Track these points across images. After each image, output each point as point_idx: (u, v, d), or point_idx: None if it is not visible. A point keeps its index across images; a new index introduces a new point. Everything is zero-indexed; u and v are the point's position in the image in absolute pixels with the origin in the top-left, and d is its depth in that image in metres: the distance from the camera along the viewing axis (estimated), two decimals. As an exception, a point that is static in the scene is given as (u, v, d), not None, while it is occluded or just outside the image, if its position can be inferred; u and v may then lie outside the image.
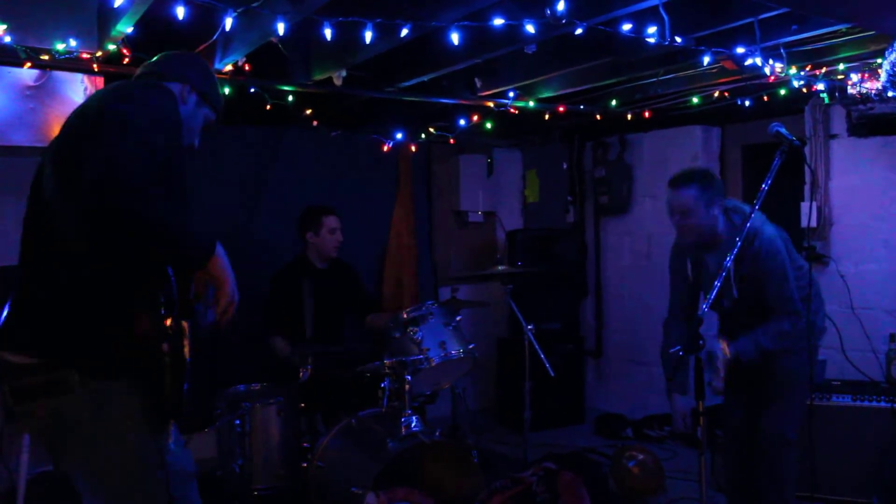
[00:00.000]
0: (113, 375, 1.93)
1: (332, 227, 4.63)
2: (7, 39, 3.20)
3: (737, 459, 3.57)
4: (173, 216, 1.92)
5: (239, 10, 2.91)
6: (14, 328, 1.99)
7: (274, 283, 4.62)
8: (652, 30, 3.35)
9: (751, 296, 3.27)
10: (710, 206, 3.24)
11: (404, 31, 3.10)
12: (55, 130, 3.06)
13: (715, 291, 2.73)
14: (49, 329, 1.93)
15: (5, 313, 2.01)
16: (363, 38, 3.11)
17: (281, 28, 2.94)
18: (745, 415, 3.48)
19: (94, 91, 3.80)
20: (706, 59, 3.78)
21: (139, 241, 1.86)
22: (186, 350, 1.99)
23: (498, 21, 3.11)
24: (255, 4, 2.92)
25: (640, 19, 3.35)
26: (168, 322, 1.94)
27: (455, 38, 3.14)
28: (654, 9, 3.17)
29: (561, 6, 2.98)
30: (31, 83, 3.64)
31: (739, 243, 2.81)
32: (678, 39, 3.43)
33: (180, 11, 2.24)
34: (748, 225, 2.85)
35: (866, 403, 4.09)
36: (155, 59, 2.33)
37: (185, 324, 2.00)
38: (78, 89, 3.72)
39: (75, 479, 2.04)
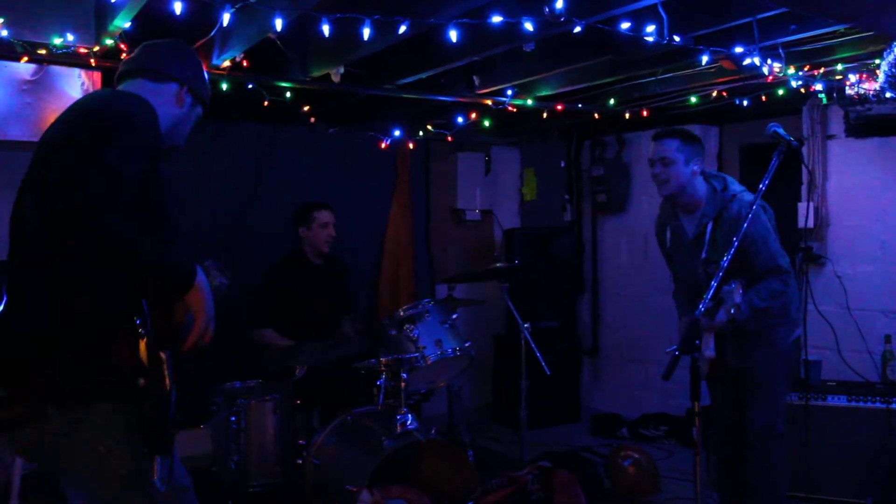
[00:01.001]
0: (91, 402, 1.88)
1: (324, 222, 4.63)
2: (4, 33, 3.19)
3: (725, 456, 3.59)
4: (150, 246, 1.83)
5: (237, 6, 2.90)
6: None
7: (268, 276, 4.61)
8: (651, 28, 3.35)
9: (736, 263, 3.24)
10: (689, 161, 3.36)
11: (402, 28, 3.09)
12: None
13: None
14: (23, 362, 1.88)
15: None
16: (361, 35, 3.10)
17: (279, 24, 2.93)
18: (732, 411, 3.50)
19: (90, 86, 3.79)
20: (704, 59, 3.78)
21: (114, 271, 1.81)
22: (167, 381, 1.90)
23: (496, 19, 3.11)
24: (252, 0, 2.91)
25: (639, 18, 3.35)
26: (143, 353, 1.86)
27: (454, 35, 3.13)
28: (653, 7, 3.17)
29: (560, 4, 2.97)
30: (28, 77, 3.63)
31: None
32: (677, 38, 3.43)
33: (178, 7, 2.23)
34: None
35: (862, 404, 4.09)
36: (145, 52, 2.23)
37: (162, 355, 1.90)
38: (75, 84, 3.71)
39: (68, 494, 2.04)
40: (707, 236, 3.34)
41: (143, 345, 1.87)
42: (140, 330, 1.87)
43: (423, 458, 3.60)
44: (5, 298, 1.96)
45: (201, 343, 2.00)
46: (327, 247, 4.67)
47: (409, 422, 3.57)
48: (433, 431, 3.65)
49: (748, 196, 3.34)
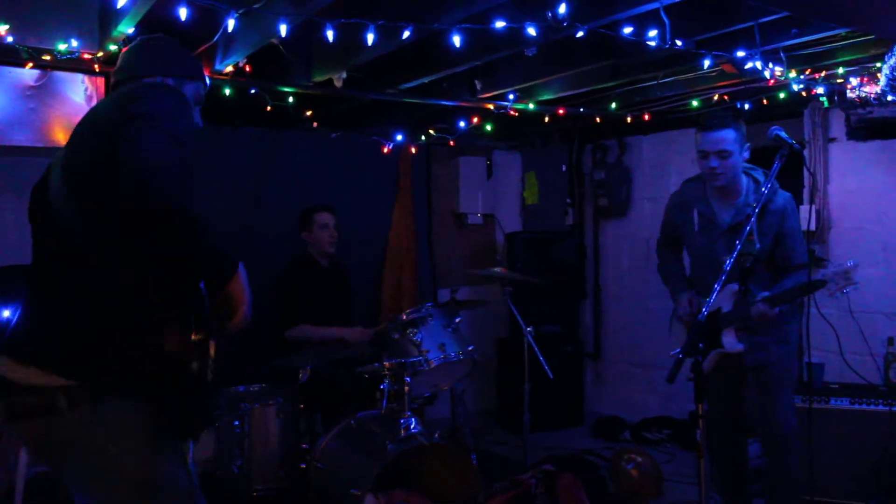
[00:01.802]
0: (104, 396, 1.84)
1: (324, 223, 4.66)
2: (9, 39, 3.20)
3: (729, 457, 3.61)
4: (205, 233, 1.83)
5: (240, 12, 2.91)
6: (20, 339, 1.93)
7: (283, 277, 4.61)
8: (653, 33, 3.36)
9: (766, 254, 3.30)
10: (742, 150, 3.28)
11: (406, 33, 3.10)
12: (55, 130, 3.04)
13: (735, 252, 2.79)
14: (56, 346, 1.86)
15: (15, 320, 1.96)
16: (364, 40, 3.11)
17: (283, 30, 2.94)
18: (735, 409, 3.54)
19: (93, 91, 3.80)
20: (707, 63, 3.79)
21: (177, 249, 1.79)
22: (210, 371, 1.93)
23: (500, 24, 3.11)
24: (256, 6, 2.92)
25: (641, 22, 3.36)
26: (197, 338, 1.88)
27: (457, 40, 3.14)
28: (655, 12, 3.17)
29: (562, 9, 2.98)
30: (32, 83, 3.63)
31: (765, 193, 2.89)
32: (679, 43, 3.43)
33: (182, 12, 2.23)
34: (770, 181, 2.90)
35: (864, 407, 4.09)
36: (122, 61, 2.21)
37: (212, 344, 1.94)
38: (78, 89, 3.71)
39: (75, 497, 1.99)
40: (749, 227, 3.08)
41: (197, 330, 1.88)
42: (192, 315, 1.88)
43: (426, 462, 3.60)
44: (27, 299, 1.96)
45: (238, 329, 2.04)
46: (331, 247, 4.69)
47: (412, 426, 3.57)
48: (437, 435, 3.65)
49: (783, 191, 3.35)
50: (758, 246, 3.17)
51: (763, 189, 2.93)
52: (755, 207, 2.93)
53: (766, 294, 3.21)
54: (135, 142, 1.76)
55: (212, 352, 1.94)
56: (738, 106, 4.86)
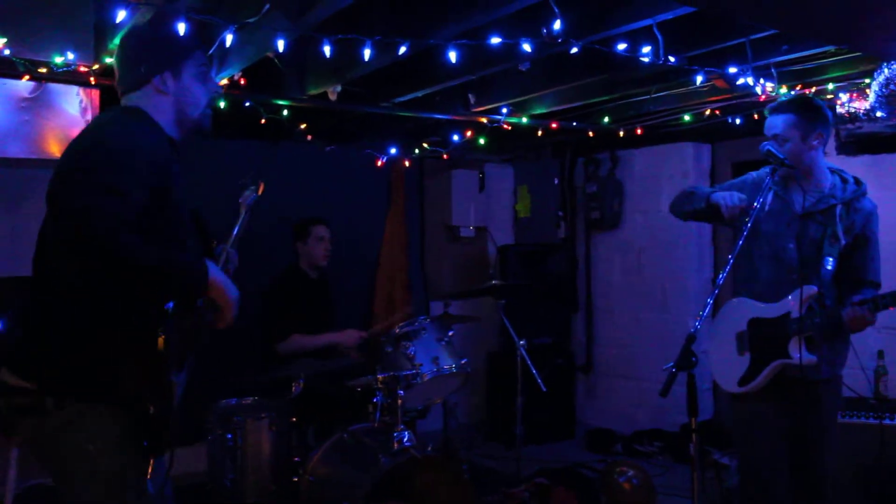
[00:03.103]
0: (87, 401, 1.98)
1: (320, 236, 4.67)
2: (6, 52, 3.21)
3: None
4: (159, 251, 1.90)
5: (238, 25, 2.92)
6: (14, 348, 2.04)
7: (271, 291, 4.61)
8: (646, 49, 3.39)
9: (847, 261, 2.99)
10: (807, 136, 2.94)
11: (402, 49, 3.12)
12: (50, 142, 3.05)
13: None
14: (40, 353, 1.99)
15: (13, 329, 2.06)
16: (360, 55, 3.13)
17: (281, 45, 2.95)
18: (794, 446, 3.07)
19: (87, 103, 3.80)
20: (699, 79, 3.82)
21: (120, 277, 1.86)
22: (170, 386, 1.99)
23: (495, 40, 3.14)
24: (252, 20, 2.93)
25: (635, 38, 3.39)
26: (150, 357, 1.94)
27: (453, 56, 3.16)
28: (649, 28, 3.21)
29: (557, 25, 3.01)
30: (27, 95, 3.64)
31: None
32: (672, 59, 3.46)
33: (181, 27, 2.24)
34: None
35: (855, 420, 4.11)
36: (117, 67, 2.24)
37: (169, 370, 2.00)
38: (73, 101, 3.71)
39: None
40: (832, 216, 2.95)
41: (157, 344, 1.94)
42: (154, 333, 1.93)
43: (419, 475, 3.59)
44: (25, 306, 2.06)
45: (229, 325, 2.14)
46: (325, 260, 4.70)
47: (405, 439, 3.57)
48: (430, 448, 3.64)
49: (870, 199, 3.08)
50: (843, 242, 2.94)
51: (850, 184, 2.81)
52: (841, 201, 2.79)
53: (860, 297, 2.89)
54: (67, 201, 1.85)
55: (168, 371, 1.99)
56: (730, 121, 4.91)
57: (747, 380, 3.04)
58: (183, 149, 2.32)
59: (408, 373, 3.77)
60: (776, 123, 2.98)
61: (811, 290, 2.93)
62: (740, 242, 2.78)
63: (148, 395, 1.96)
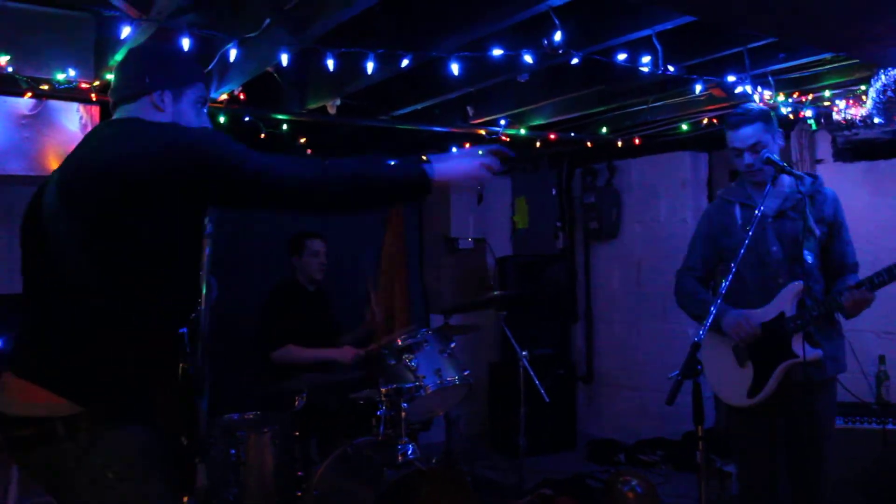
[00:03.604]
0: (103, 424, 1.85)
1: (315, 251, 4.67)
2: (9, 70, 3.21)
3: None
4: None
5: (240, 39, 2.93)
6: (28, 361, 1.93)
7: (269, 301, 4.60)
8: (646, 59, 3.41)
9: (822, 246, 3.08)
10: (775, 140, 3.06)
11: (405, 62, 3.13)
12: (50, 159, 3.03)
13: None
14: (38, 383, 1.86)
15: (15, 346, 1.97)
16: (361, 68, 3.14)
17: (285, 59, 2.96)
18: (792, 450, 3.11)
19: (88, 120, 3.80)
20: (698, 88, 3.84)
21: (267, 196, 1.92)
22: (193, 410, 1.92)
23: (497, 52, 3.15)
24: (253, 34, 2.94)
25: (634, 48, 3.41)
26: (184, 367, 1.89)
27: (455, 68, 3.17)
28: (647, 38, 3.23)
29: (558, 36, 3.02)
30: (27, 112, 3.64)
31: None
32: (671, 68, 3.48)
33: (185, 42, 2.25)
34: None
35: (857, 425, 4.11)
36: (116, 77, 2.21)
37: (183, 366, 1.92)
38: (73, 118, 3.72)
39: None
40: (803, 209, 2.99)
41: (175, 365, 1.88)
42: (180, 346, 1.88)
43: (424, 488, 3.58)
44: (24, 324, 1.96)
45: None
46: (321, 274, 4.70)
47: (409, 452, 3.55)
48: (434, 461, 3.63)
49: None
50: (818, 233, 3.01)
51: (806, 178, 2.89)
52: (807, 194, 2.87)
53: (854, 281, 2.99)
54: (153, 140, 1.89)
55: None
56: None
57: (756, 390, 3.03)
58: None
59: (411, 385, 3.76)
60: (749, 134, 3.03)
61: (798, 285, 2.97)
62: (742, 251, 2.79)
63: (177, 422, 1.88)
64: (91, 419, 1.84)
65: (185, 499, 1.92)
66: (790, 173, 2.95)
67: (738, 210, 3.17)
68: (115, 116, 2.22)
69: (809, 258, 2.99)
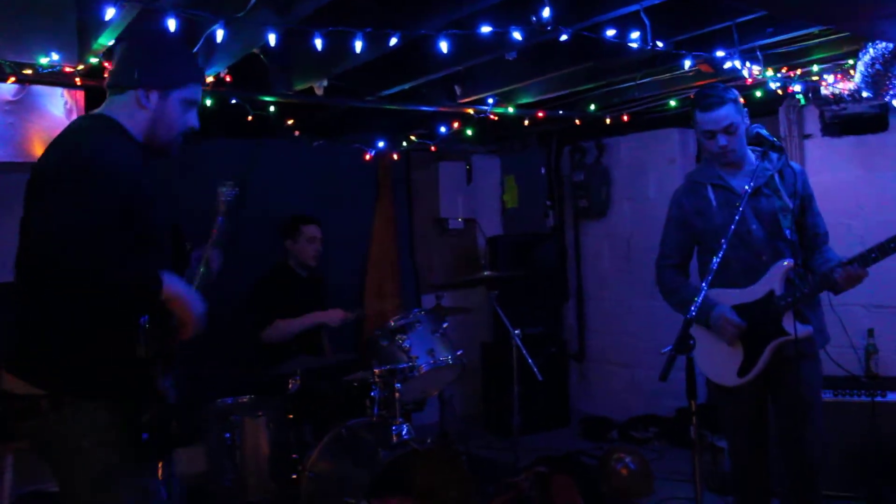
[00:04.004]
0: (81, 399, 2.04)
1: (311, 236, 4.65)
2: (-9, 54, 3.18)
3: (749, 462, 3.21)
4: (112, 267, 1.97)
5: (226, 20, 2.89)
6: (12, 349, 2.10)
7: (258, 286, 4.58)
8: (635, 35, 3.39)
9: (797, 219, 3.10)
10: (744, 119, 3.07)
11: (393, 41, 3.10)
12: (35, 145, 3.07)
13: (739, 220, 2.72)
14: (38, 352, 2.06)
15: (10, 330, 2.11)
16: (348, 48, 3.11)
17: (272, 39, 2.93)
18: (761, 407, 3.18)
19: (73, 105, 3.76)
20: (687, 63, 3.83)
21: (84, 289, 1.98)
22: (160, 386, 2.09)
23: (485, 29, 3.12)
24: (240, 15, 2.91)
25: (622, 24, 3.39)
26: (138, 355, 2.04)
27: (444, 46, 3.14)
28: (635, 14, 3.21)
29: (546, 12, 3.00)
30: (10, 98, 3.59)
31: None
32: (660, 44, 3.47)
33: (171, 24, 2.22)
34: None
35: (847, 398, 4.15)
36: (112, 66, 2.32)
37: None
38: (58, 103, 3.67)
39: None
40: (775, 186, 3.05)
41: (139, 348, 2.04)
42: (138, 333, 2.03)
43: (419, 468, 3.59)
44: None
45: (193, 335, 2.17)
46: (315, 261, 4.68)
47: (404, 432, 3.57)
48: (429, 441, 3.65)
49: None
50: (791, 207, 3.02)
51: (770, 153, 2.92)
52: (775, 169, 2.92)
53: (829, 252, 3.10)
54: (42, 210, 1.99)
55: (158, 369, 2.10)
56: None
57: (746, 369, 3.05)
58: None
59: (404, 366, 3.77)
60: (723, 115, 3.01)
61: (787, 263, 2.98)
62: (732, 227, 2.78)
63: (137, 398, 2.04)
64: (72, 395, 2.04)
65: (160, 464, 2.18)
66: (780, 150, 2.96)
67: (710, 191, 3.16)
68: (103, 104, 2.30)
69: (788, 234, 3.01)
